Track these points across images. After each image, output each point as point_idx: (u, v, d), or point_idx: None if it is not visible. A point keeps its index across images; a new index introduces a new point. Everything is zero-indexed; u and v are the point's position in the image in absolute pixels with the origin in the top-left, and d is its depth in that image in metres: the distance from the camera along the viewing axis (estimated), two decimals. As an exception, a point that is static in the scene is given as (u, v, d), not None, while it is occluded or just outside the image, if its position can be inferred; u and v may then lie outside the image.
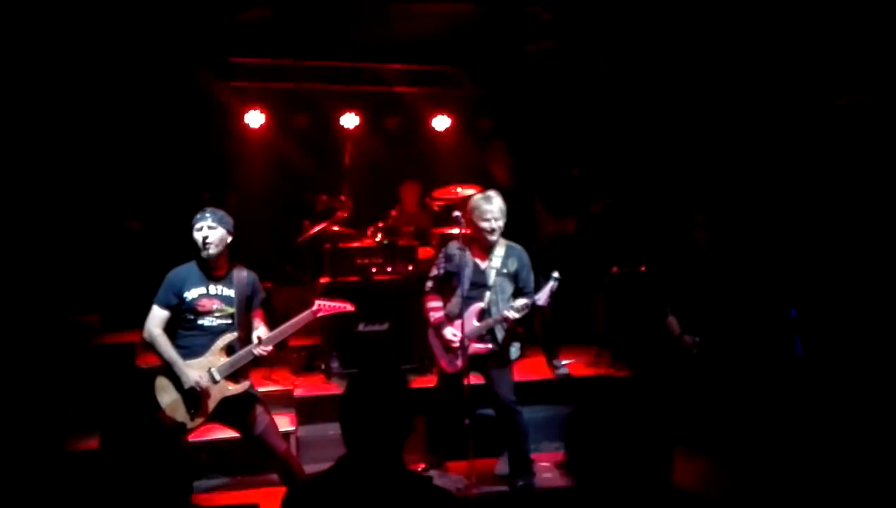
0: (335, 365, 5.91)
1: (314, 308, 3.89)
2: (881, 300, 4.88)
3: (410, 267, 6.08)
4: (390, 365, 2.15)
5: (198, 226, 3.71)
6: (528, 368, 5.98)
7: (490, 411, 4.58)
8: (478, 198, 4.32)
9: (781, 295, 5.13)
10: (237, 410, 3.78)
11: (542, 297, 4.20)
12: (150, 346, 3.76)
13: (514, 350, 4.54)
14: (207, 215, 3.72)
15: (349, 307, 4.04)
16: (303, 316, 3.88)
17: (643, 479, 1.68)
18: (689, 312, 4.60)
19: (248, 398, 3.80)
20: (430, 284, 4.50)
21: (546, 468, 4.69)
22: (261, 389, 4.23)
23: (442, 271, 4.41)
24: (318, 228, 5.97)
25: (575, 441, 1.77)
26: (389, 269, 6.06)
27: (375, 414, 1.98)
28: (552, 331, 5.92)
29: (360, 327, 5.88)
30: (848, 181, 5.20)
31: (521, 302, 4.23)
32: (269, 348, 3.77)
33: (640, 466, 1.68)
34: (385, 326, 5.91)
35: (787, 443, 4.25)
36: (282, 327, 3.84)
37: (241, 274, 3.85)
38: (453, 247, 4.41)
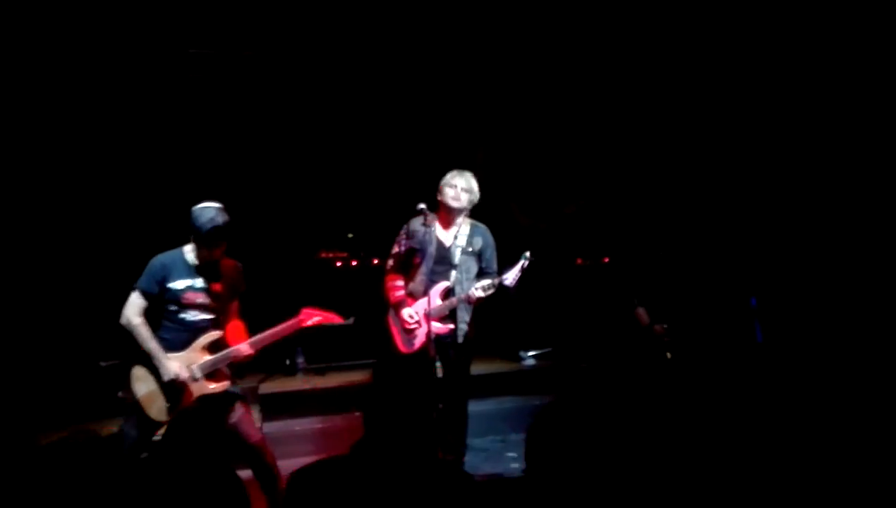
0: (300, 360, 5.87)
1: (300, 317, 3.75)
2: (838, 289, 5.01)
3: (376, 261, 6.06)
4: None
5: (223, 234, 3.52)
6: (495, 359, 6.01)
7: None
8: (452, 171, 4.28)
9: (741, 285, 5.23)
10: (214, 404, 3.65)
11: (509, 277, 4.09)
12: (129, 334, 3.57)
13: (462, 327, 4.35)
14: (226, 220, 3.52)
15: (337, 319, 3.90)
16: (288, 325, 3.74)
17: (604, 466, 1.70)
18: (653, 302, 4.67)
19: (227, 394, 3.68)
20: (391, 262, 4.36)
21: (514, 458, 4.71)
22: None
23: (404, 248, 4.28)
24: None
25: (540, 428, 1.78)
26: (355, 264, 6.04)
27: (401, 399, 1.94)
28: (518, 322, 5.96)
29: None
30: (806, 173, 5.32)
31: (486, 281, 4.13)
32: (251, 351, 3.66)
33: (602, 453, 1.70)
34: (351, 320, 5.87)
35: (749, 428, 4.34)
36: (266, 333, 3.71)
37: (228, 264, 3.69)
38: (416, 224, 4.27)
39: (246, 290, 3.83)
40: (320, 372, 5.83)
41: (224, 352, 3.61)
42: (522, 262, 4.09)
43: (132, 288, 3.58)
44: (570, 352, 6.08)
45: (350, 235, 6.49)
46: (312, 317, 3.78)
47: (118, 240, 5.86)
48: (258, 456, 3.69)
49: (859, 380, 4.45)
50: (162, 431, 3.63)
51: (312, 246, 6.33)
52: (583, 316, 6.12)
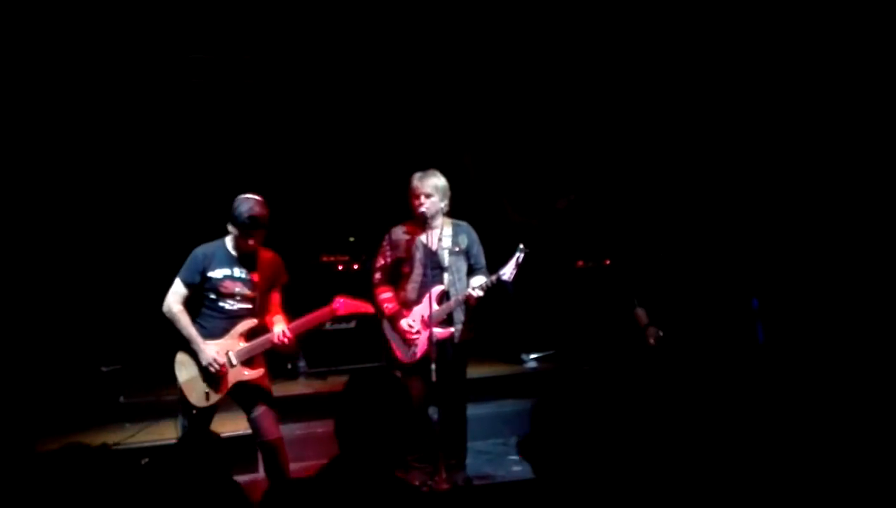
0: (302, 364, 5.87)
1: (334, 305, 3.85)
2: (841, 290, 5.00)
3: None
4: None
5: (259, 223, 3.66)
6: (497, 362, 6.00)
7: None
8: (414, 175, 4.19)
9: (743, 286, 5.22)
10: (246, 394, 3.80)
11: (506, 272, 4.06)
12: (170, 321, 3.75)
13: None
14: (264, 212, 3.69)
15: (368, 308, 3.99)
16: (322, 312, 3.87)
17: (605, 469, 1.69)
18: (655, 303, 4.65)
19: (259, 384, 3.82)
20: (378, 275, 4.31)
21: (516, 461, 4.71)
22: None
23: (389, 259, 4.25)
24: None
25: (539, 432, 1.78)
26: (356, 267, 6.03)
27: (373, 415, 1.98)
28: (520, 325, 5.94)
29: (327, 325, 5.84)
30: (808, 172, 5.32)
31: (484, 280, 4.11)
32: (290, 337, 3.77)
33: (602, 457, 1.69)
34: (352, 324, 5.87)
35: (751, 429, 4.33)
36: (301, 319, 3.85)
37: (267, 256, 3.84)
38: (398, 233, 4.25)
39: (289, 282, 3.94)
40: (322, 376, 5.83)
41: (259, 340, 3.74)
42: (518, 255, 4.07)
43: (175, 278, 3.74)
44: (572, 355, 6.07)
45: (351, 239, 6.49)
46: (346, 306, 3.89)
47: (118, 245, 5.87)
48: (273, 454, 3.80)
49: (862, 382, 4.44)
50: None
51: (314, 249, 6.33)
52: (584, 318, 6.10)
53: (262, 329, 3.80)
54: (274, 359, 5.82)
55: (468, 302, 4.14)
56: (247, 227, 3.64)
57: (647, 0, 5.86)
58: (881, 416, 3.86)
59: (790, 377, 4.79)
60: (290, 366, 5.83)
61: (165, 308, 3.72)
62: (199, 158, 6.25)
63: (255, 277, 3.76)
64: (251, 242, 3.69)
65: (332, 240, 6.45)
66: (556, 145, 6.76)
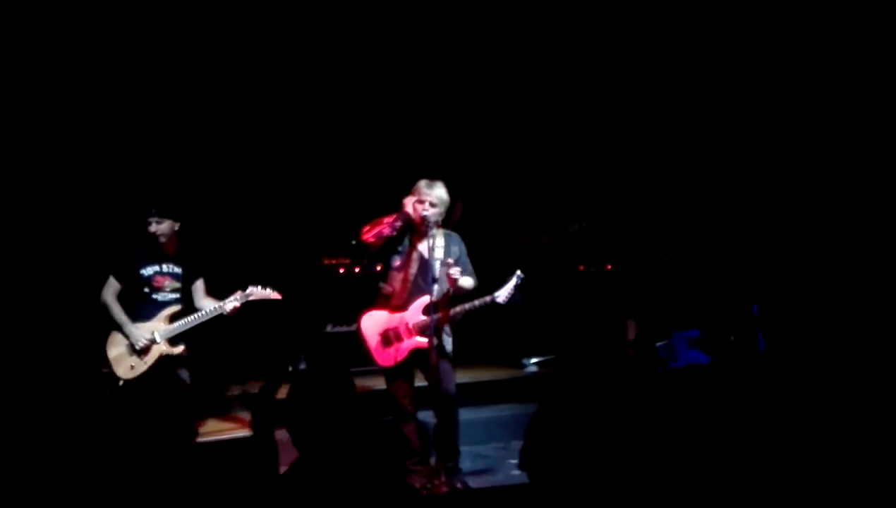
0: (303, 367, 5.88)
1: (247, 292, 4.28)
2: (841, 295, 5.01)
3: (379, 268, 6.05)
4: (330, 365, 2.15)
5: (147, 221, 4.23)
6: (497, 366, 6.01)
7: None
8: (422, 181, 4.21)
9: (744, 292, 5.23)
10: (169, 372, 4.28)
11: (502, 295, 4.11)
12: (104, 310, 4.28)
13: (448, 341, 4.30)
14: (154, 211, 4.23)
15: (275, 295, 4.36)
16: (232, 299, 4.26)
17: (603, 474, 1.69)
18: (654, 309, 4.67)
19: (179, 362, 4.30)
20: (383, 284, 4.33)
21: (516, 465, 4.71)
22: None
23: (395, 232, 4.21)
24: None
25: (535, 438, 1.78)
26: (358, 270, 6.04)
27: (322, 412, 1.99)
28: (520, 329, 5.95)
29: (328, 328, 5.85)
30: (808, 181, 5.33)
31: (477, 301, 4.13)
32: (237, 305, 4.23)
33: (599, 463, 1.70)
34: (353, 327, 5.86)
35: (751, 436, 4.33)
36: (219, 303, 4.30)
37: (190, 250, 4.35)
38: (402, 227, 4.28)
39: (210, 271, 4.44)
40: (322, 378, 5.82)
41: (182, 321, 4.26)
42: (515, 281, 4.12)
43: (109, 274, 4.29)
44: (572, 360, 6.07)
45: (353, 242, 6.50)
46: (256, 293, 4.30)
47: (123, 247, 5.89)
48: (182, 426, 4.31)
49: (864, 388, 4.44)
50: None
51: (315, 252, 6.35)
52: (585, 323, 6.11)
53: (185, 313, 4.30)
54: (274, 363, 5.89)
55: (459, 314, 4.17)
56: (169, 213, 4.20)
57: (652, 38, 5.93)
58: (883, 422, 3.86)
59: (791, 383, 4.79)
60: (291, 370, 5.84)
61: (101, 299, 4.27)
62: (202, 161, 6.26)
63: (180, 270, 4.33)
64: (172, 227, 4.21)
65: (334, 242, 6.46)
66: (564, 160, 6.77)
